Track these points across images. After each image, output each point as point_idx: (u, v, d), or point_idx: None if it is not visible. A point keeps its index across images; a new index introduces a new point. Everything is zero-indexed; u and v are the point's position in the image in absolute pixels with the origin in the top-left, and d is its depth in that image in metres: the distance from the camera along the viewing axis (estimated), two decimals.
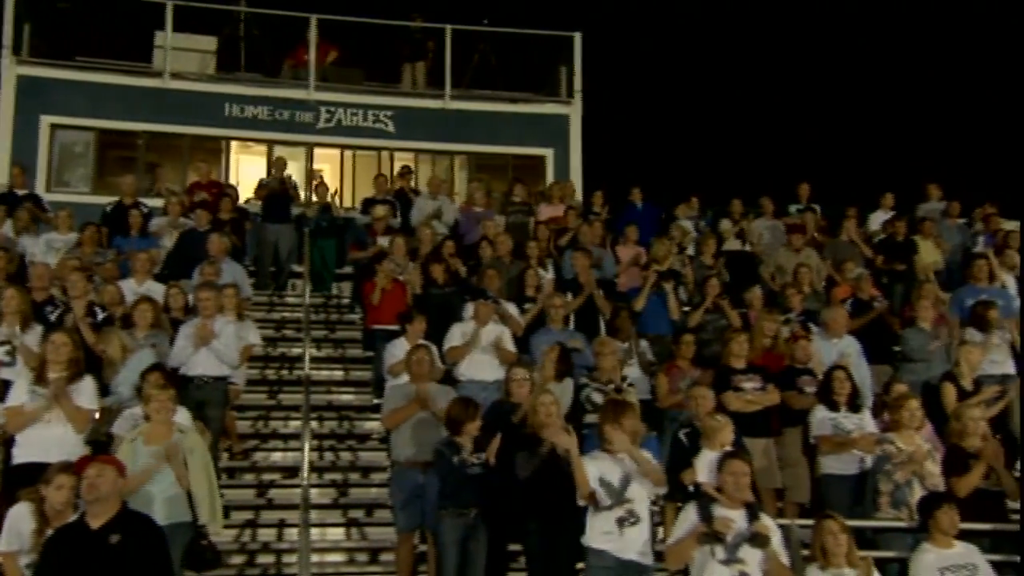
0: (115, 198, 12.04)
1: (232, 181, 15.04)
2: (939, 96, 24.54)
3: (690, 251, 11.82)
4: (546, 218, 12.34)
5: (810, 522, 5.92)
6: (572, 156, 16.67)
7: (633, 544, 5.53)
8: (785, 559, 5.28)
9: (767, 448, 7.52)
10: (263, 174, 14.19)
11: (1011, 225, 12.64)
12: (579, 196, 14.39)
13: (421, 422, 6.88)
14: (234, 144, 16.19)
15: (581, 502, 5.60)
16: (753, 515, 5.25)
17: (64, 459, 5.49)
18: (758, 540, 5.12)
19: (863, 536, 6.00)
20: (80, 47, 15.68)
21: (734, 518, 5.20)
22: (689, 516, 5.35)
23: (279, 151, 15.27)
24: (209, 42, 16.30)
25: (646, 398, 8.00)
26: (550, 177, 16.06)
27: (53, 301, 8.26)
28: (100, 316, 8.06)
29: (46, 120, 15.17)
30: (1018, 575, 6.20)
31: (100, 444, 6.51)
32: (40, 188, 14.18)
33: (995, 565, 5.81)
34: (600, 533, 5.55)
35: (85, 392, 6.37)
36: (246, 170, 15.92)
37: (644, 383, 8.28)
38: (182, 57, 15.82)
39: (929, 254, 11.79)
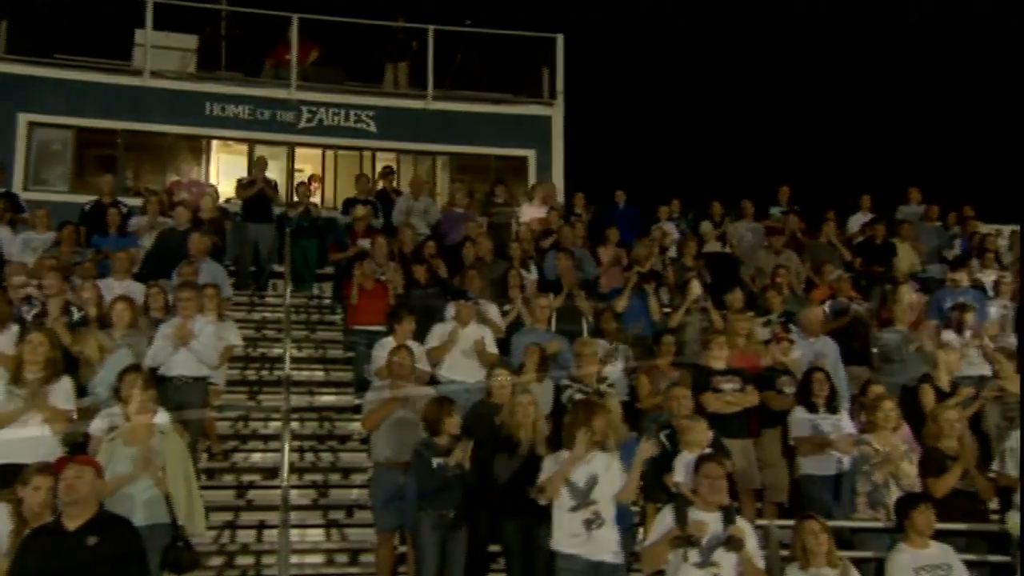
0: (94, 197, 11.95)
1: (213, 180, 14.97)
2: (918, 100, 24.78)
3: (671, 252, 11.89)
4: (528, 219, 12.37)
5: (789, 522, 5.97)
6: (554, 157, 16.70)
7: (605, 545, 5.56)
8: (760, 562, 5.30)
9: (746, 449, 7.56)
10: (244, 173, 14.12)
11: (987, 228, 12.83)
12: (561, 197, 14.43)
13: (401, 423, 6.87)
14: (215, 143, 16.11)
15: (542, 500, 5.63)
16: (729, 518, 5.26)
17: (41, 460, 5.45)
18: (733, 543, 5.14)
19: (840, 536, 6.05)
20: (59, 44, 15.55)
21: (709, 521, 5.22)
22: (665, 519, 5.37)
23: (260, 151, 15.20)
24: (190, 40, 16.21)
25: (626, 399, 8.04)
26: (532, 178, 16.10)
27: (30, 300, 8.19)
28: (76, 316, 8.00)
29: (24, 118, 15.04)
30: (994, 574, 6.30)
31: (77, 445, 6.46)
32: (17, 187, 14.05)
33: (969, 565, 5.87)
34: (568, 536, 5.56)
35: (62, 393, 6.32)
36: (227, 169, 15.84)
37: (624, 384, 8.31)
38: (162, 55, 15.72)
39: (907, 257, 11.91)
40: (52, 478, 4.94)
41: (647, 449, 5.86)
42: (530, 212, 12.67)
